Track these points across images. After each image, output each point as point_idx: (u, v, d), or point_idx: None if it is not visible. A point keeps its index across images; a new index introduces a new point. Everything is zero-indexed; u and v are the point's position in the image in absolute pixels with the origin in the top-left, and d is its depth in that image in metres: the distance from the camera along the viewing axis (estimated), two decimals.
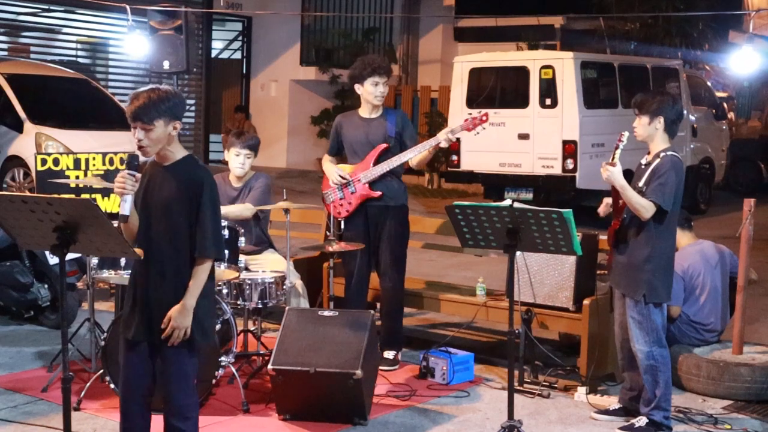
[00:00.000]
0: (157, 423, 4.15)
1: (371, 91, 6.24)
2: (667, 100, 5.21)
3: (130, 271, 4.44)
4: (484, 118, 6.12)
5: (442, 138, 6.06)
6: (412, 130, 6.39)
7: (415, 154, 6.19)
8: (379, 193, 6.27)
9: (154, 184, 4.03)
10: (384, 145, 6.26)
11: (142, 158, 4.06)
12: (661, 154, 5.13)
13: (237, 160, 6.47)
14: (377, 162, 6.25)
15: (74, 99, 13.07)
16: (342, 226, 6.44)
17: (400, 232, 6.35)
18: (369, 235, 6.35)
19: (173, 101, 3.97)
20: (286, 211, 6.03)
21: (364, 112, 6.37)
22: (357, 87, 6.31)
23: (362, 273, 6.40)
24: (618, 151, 4.95)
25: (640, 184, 5.12)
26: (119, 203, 3.91)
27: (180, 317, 3.95)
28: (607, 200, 5.28)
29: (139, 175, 3.93)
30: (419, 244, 7.89)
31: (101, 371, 5.55)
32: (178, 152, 4.06)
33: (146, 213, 4.02)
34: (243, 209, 6.34)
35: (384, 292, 6.42)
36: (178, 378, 4.04)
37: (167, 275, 4.01)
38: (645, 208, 5.01)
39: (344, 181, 6.31)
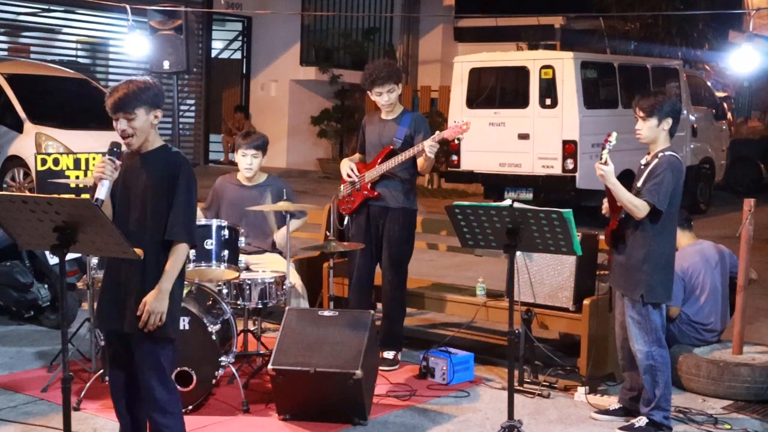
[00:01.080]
0: None
1: (377, 100, 6.33)
2: (671, 99, 5.22)
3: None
4: (464, 127, 6.15)
5: (426, 146, 6.08)
6: (426, 132, 6.33)
7: (402, 160, 6.21)
8: (376, 193, 6.30)
9: (131, 173, 4.07)
10: (389, 147, 6.28)
11: (124, 148, 4.10)
12: (660, 154, 5.13)
13: (244, 161, 6.52)
14: (383, 163, 6.29)
15: (74, 99, 13.08)
16: (346, 223, 6.48)
17: (400, 234, 6.34)
18: (370, 234, 6.37)
19: (152, 90, 4.03)
20: (286, 211, 6.03)
21: (382, 113, 6.44)
22: (369, 94, 6.42)
23: (362, 272, 6.40)
24: (605, 152, 4.95)
25: (638, 184, 5.13)
26: (97, 188, 3.92)
27: (156, 302, 3.97)
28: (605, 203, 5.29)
29: (119, 162, 3.97)
30: (419, 244, 7.88)
31: (101, 371, 5.55)
32: (156, 141, 4.12)
33: (125, 202, 4.06)
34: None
35: (383, 292, 6.43)
36: (154, 373, 4.04)
37: (147, 264, 4.01)
38: (638, 207, 5.01)
39: (351, 177, 6.36)
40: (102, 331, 4.18)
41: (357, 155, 6.58)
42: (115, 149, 3.97)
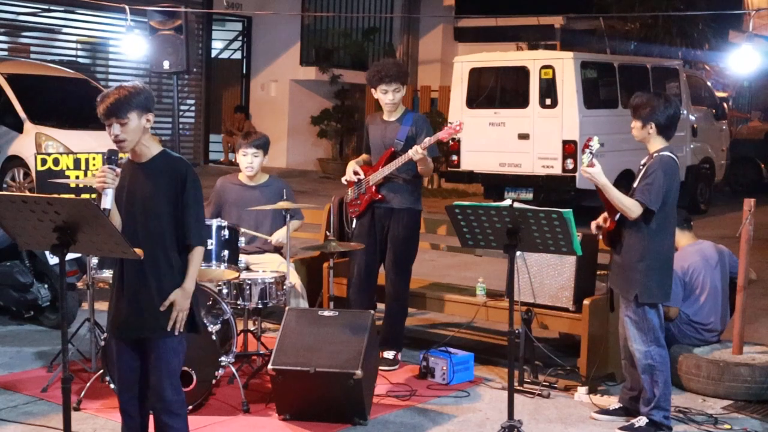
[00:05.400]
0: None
1: (381, 98, 6.33)
2: (659, 105, 5.13)
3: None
4: (458, 128, 6.17)
5: (410, 153, 6.09)
6: (428, 132, 6.29)
7: (398, 165, 6.21)
8: (380, 195, 6.30)
9: (135, 183, 4.10)
10: (392, 149, 6.28)
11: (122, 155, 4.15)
12: (654, 155, 5.13)
13: (245, 160, 6.55)
14: (385, 166, 6.29)
15: (74, 99, 13.07)
16: (353, 225, 6.50)
17: (404, 235, 6.34)
18: (375, 235, 6.38)
19: (143, 95, 4.08)
20: (286, 210, 6.04)
21: (385, 114, 6.43)
22: (372, 91, 6.41)
23: (362, 273, 6.40)
24: (586, 156, 4.95)
25: (635, 185, 5.13)
26: (101, 198, 3.94)
27: (183, 300, 4.06)
28: (600, 218, 5.29)
29: (119, 170, 4.01)
30: (420, 244, 7.86)
31: (101, 371, 5.55)
32: (153, 147, 4.15)
33: (131, 211, 4.10)
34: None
35: (387, 293, 6.43)
36: (166, 374, 4.09)
37: (158, 271, 4.06)
38: (629, 208, 5.02)
39: (355, 177, 6.38)
40: (114, 338, 4.20)
41: (364, 156, 6.58)
42: (113, 157, 4.00)
